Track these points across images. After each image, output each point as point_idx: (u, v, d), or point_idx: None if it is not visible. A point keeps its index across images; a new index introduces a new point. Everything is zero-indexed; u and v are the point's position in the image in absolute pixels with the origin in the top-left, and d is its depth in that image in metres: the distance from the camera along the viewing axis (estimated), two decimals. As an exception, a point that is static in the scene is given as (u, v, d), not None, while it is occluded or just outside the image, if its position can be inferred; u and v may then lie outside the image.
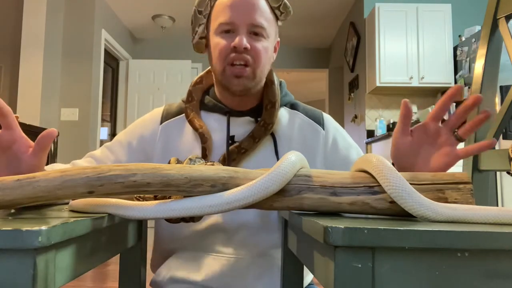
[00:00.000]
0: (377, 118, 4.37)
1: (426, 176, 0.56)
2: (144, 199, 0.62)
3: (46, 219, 0.47)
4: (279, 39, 0.98)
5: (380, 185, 0.53)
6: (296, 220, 0.55)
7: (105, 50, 5.06)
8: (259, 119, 0.93)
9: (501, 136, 1.29)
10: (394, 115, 4.35)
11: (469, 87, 3.82)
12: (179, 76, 5.71)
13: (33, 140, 0.66)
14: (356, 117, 4.85)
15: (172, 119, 0.96)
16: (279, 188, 0.52)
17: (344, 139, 0.98)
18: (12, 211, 0.57)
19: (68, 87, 4.39)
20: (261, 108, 0.93)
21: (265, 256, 0.89)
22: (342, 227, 0.38)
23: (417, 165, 0.70)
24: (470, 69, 3.86)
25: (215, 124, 0.94)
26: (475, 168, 1.18)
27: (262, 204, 0.54)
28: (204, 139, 0.90)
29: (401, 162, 0.71)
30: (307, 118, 0.97)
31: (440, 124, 0.70)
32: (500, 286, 0.40)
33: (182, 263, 0.89)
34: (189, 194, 0.52)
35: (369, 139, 4.27)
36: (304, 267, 0.82)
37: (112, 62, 5.62)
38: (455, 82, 4.08)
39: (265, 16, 0.89)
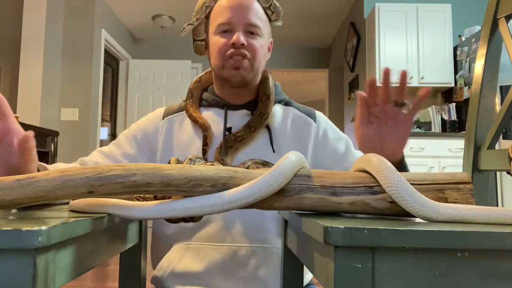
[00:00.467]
0: (377, 118, 4.36)
1: (426, 176, 0.56)
2: (144, 199, 0.62)
3: (46, 219, 0.47)
4: (272, 40, 1.07)
5: (380, 185, 0.53)
6: (296, 220, 0.55)
7: (105, 50, 5.06)
8: (255, 112, 0.99)
9: (501, 136, 1.29)
10: (394, 115, 4.34)
11: (469, 87, 3.82)
12: (179, 76, 5.71)
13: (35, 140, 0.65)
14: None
15: (173, 114, 1.03)
16: (280, 187, 0.52)
17: (334, 132, 1.04)
18: (12, 211, 0.57)
19: (68, 87, 4.39)
20: (257, 102, 1.00)
21: (265, 244, 0.91)
22: (342, 227, 0.38)
23: (385, 147, 0.76)
24: (470, 69, 3.86)
25: (213, 117, 1.00)
26: (475, 168, 1.18)
27: (262, 204, 0.54)
28: (204, 128, 0.96)
29: (370, 149, 0.75)
30: (299, 112, 1.04)
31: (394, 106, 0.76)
32: (500, 286, 0.40)
33: (182, 255, 0.91)
34: (189, 194, 0.52)
35: (369, 139, 4.26)
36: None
37: (112, 62, 5.62)
38: (455, 82, 4.08)
39: (259, 17, 0.98)
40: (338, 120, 5.61)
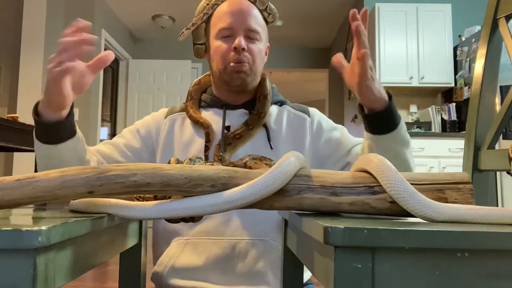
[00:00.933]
0: (377, 118, 4.36)
1: (426, 176, 0.56)
2: (144, 199, 0.62)
3: (46, 219, 0.47)
4: (269, 44, 1.11)
5: (380, 185, 0.53)
6: (296, 220, 0.55)
7: (105, 50, 5.06)
8: (253, 111, 1.02)
9: (501, 136, 1.29)
10: (394, 115, 4.34)
11: (469, 87, 3.82)
12: (179, 76, 5.71)
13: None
14: (356, 117, 4.85)
15: (175, 113, 1.07)
16: (280, 187, 0.52)
17: (328, 123, 1.08)
18: (13, 211, 0.57)
19: (68, 87, 4.38)
20: (254, 102, 1.04)
21: (264, 237, 0.93)
22: (342, 227, 0.38)
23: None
24: (470, 69, 3.86)
25: (212, 117, 1.04)
26: (475, 168, 1.18)
27: (262, 204, 0.54)
28: (205, 125, 1.00)
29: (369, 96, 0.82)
30: (294, 109, 1.09)
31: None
32: (500, 286, 0.40)
33: (182, 250, 0.93)
34: (189, 194, 0.52)
35: (369, 139, 4.26)
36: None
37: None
38: (455, 82, 4.08)
39: (258, 23, 1.03)
40: (338, 120, 5.60)
